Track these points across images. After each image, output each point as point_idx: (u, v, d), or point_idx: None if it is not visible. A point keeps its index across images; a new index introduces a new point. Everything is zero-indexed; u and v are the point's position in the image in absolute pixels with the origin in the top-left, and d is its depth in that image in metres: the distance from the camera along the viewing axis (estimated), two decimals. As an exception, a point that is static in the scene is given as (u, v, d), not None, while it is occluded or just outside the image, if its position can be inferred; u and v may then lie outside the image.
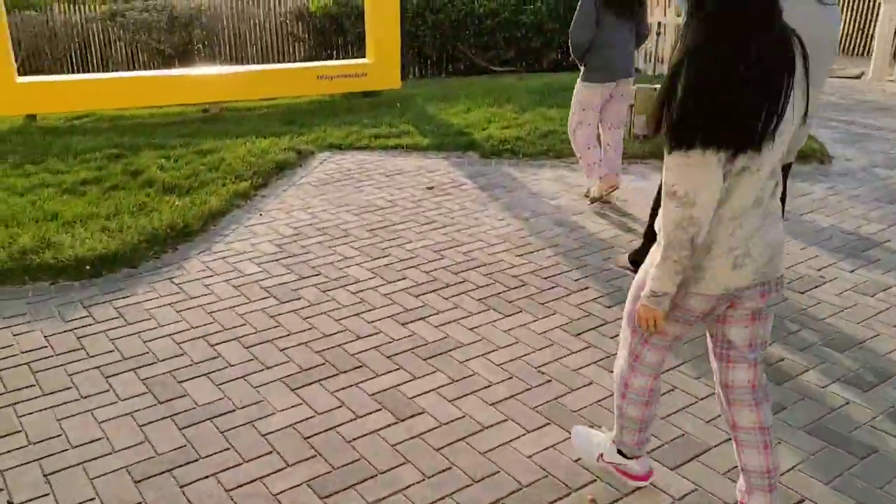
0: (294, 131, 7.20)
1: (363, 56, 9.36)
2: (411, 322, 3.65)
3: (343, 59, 12.12)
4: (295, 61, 12.55)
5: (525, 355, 3.34)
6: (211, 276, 4.19)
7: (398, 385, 3.12)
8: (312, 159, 6.45)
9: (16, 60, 12.92)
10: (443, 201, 5.40)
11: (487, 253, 4.47)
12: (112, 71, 12.98)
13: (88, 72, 12.88)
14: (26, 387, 3.13)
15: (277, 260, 4.39)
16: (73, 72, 12.77)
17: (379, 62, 8.98)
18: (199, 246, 4.60)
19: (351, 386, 3.12)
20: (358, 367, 3.25)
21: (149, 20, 11.91)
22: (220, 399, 3.03)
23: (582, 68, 5.08)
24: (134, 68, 12.90)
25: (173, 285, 4.07)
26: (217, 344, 3.46)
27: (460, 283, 4.07)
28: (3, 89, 7.50)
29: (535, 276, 4.16)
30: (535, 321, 3.65)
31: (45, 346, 3.45)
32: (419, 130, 7.24)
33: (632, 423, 2.39)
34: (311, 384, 3.13)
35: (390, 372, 3.22)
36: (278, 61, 12.89)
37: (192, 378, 3.18)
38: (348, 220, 5.04)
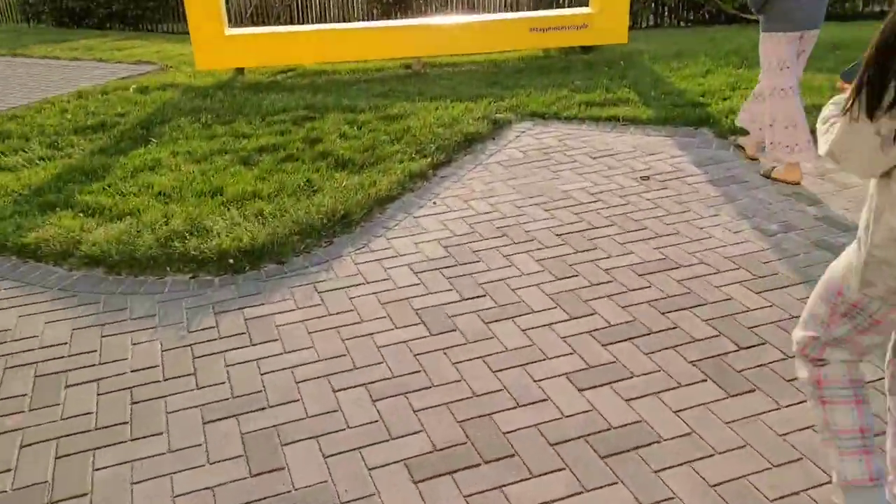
0: (494, 94, 6.32)
1: (586, 4, 8.16)
2: (592, 388, 2.67)
3: (564, 7, 10.94)
4: (515, 9, 11.57)
5: (753, 474, 2.25)
6: (360, 284, 3.48)
7: (560, 500, 2.19)
8: (508, 131, 5.54)
9: (245, 12, 13.37)
10: (659, 198, 4.26)
11: (712, 284, 3.32)
12: (330, 22, 12.92)
13: (308, 23, 12.92)
14: (115, 424, 2.62)
15: (441, 269, 3.59)
16: (294, 23, 12.86)
17: (603, 11, 7.76)
18: (356, 241, 3.93)
19: (492, 489, 2.24)
20: (506, 459, 2.36)
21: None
22: (322, 482, 2.31)
23: (761, 18, 4.22)
24: (350, 20, 12.70)
25: (315, 294, 3.42)
26: (339, 390, 2.74)
27: (670, 329, 3.00)
28: (212, 42, 7.37)
29: (780, 329, 2.96)
30: (775, 410, 2.51)
31: (157, 366, 2.95)
32: (641, 98, 6.02)
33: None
34: (441, 476, 2.31)
35: (550, 473, 2.29)
36: (503, 8, 11.99)
37: (293, 443, 2.49)
38: (536, 216, 4.09)
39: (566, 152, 5.04)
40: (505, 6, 11.83)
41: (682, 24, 10.39)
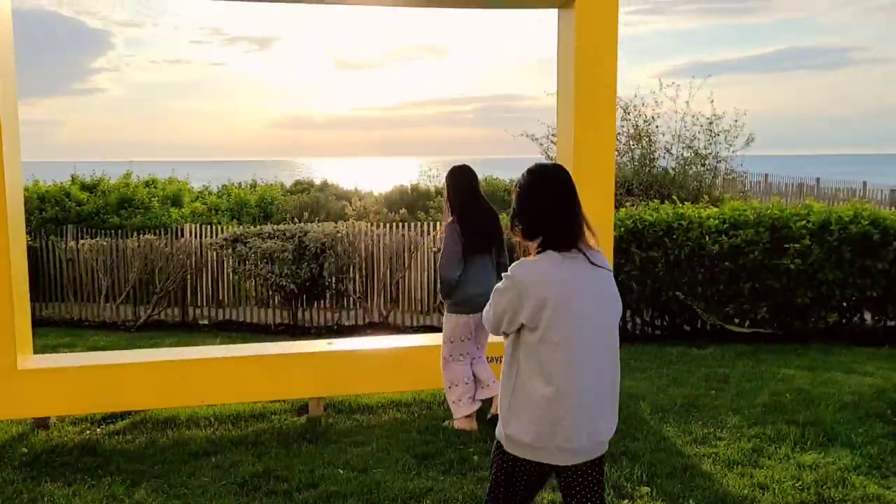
0: (434, 479, 3.77)
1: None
2: None
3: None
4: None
5: None
6: None
7: None
8: None
9: (122, 291, 10.99)
10: None
11: None
12: (224, 307, 10.62)
13: (195, 306, 10.59)
14: None
15: None
16: (174, 306, 10.51)
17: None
18: None
19: None
20: None
21: (272, 249, 9.47)
22: None
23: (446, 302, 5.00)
24: (245, 305, 10.48)
25: None
26: None
27: None
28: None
29: None
30: None
31: None
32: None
33: None
34: None
35: None
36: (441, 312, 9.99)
37: None
38: None
39: None
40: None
41: (651, 329, 8.51)
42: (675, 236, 8.00)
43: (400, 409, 5.44)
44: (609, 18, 5.39)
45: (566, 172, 2.57)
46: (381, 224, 10.69)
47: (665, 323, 8.53)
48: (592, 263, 2.45)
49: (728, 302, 7.95)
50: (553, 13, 5.74)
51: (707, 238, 7.88)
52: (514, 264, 2.46)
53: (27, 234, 11.27)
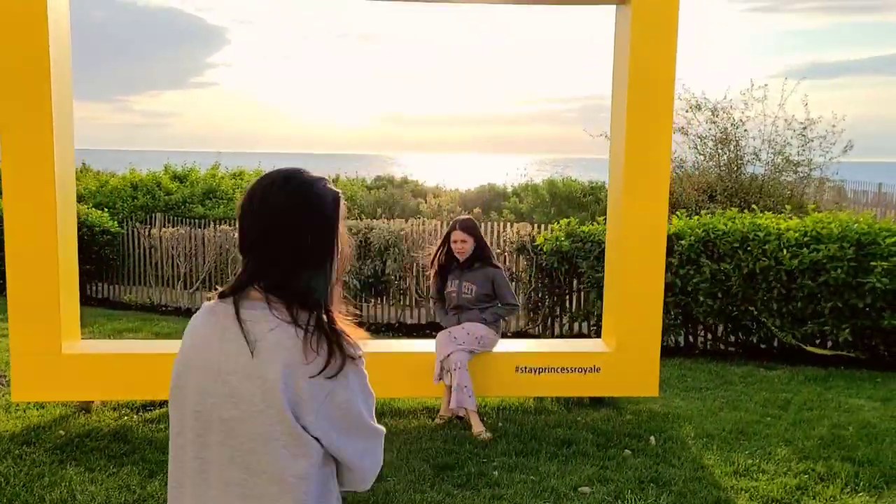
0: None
1: (594, 329, 5.77)
2: None
3: (565, 336, 8.69)
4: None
5: None
6: None
7: None
8: None
9: (195, 279, 11.35)
10: None
11: None
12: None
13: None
14: None
15: None
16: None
17: (623, 350, 5.35)
18: None
19: None
20: None
21: (337, 244, 9.51)
22: None
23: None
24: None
25: None
26: None
27: None
28: (40, 361, 4.95)
29: None
30: None
31: None
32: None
33: None
34: None
35: None
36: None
37: None
38: None
39: None
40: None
41: (722, 344, 8.00)
42: (749, 248, 7.49)
43: (431, 415, 5.30)
44: (667, 15, 5.06)
45: (293, 183, 1.57)
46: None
47: (736, 339, 8.02)
48: (238, 317, 1.47)
49: (806, 321, 7.38)
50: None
51: (785, 251, 7.34)
52: None
53: (117, 220, 11.85)
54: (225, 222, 11.73)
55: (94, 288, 11.45)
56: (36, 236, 4.87)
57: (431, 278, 5.66)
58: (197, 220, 12.34)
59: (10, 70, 4.75)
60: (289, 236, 1.48)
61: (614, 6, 5.39)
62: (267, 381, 1.42)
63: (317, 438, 1.46)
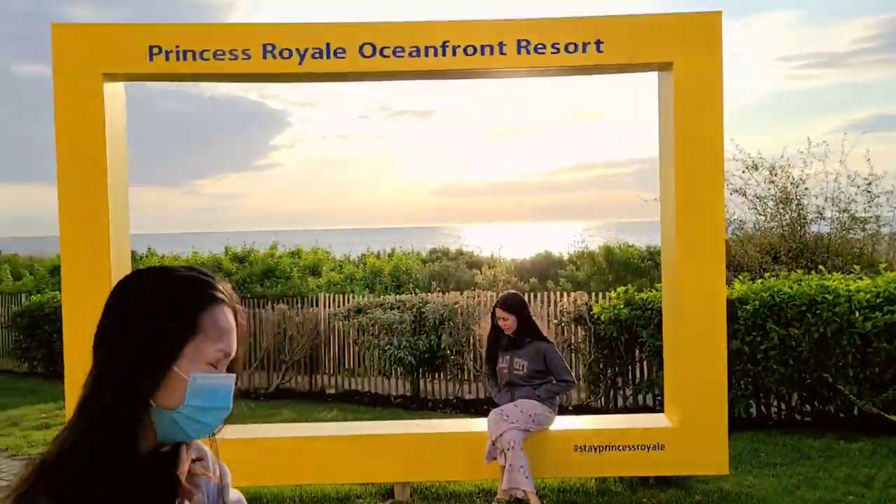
0: None
1: (658, 400, 5.52)
2: None
3: (624, 411, 8.38)
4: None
5: None
6: None
7: None
8: None
9: (254, 358, 11.45)
10: None
11: None
12: (349, 376, 10.73)
13: (323, 374, 10.78)
14: None
15: None
16: (303, 374, 10.74)
17: (687, 426, 5.08)
18: None
19: None
20: None
21: (391, 320, 9.49)
22: None
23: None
24: (369, 375, 10.52)
25: None
26: None
27: None
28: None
29: None
30: None
31: None
32: None
33: None
34: None
35: None
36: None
37: None
38: None
39: None
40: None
41: (795, 413, 7.57)
42: (818, 311, 7.14)
43: (488, 498, 5.10)
44: (712, 80, 4.99)
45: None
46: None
47: (812, 409, 7.57)
48: None
49: (886, 387, 6.93)
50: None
51: (857, 314, 6.97)
52: None
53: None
54: (283, 301, 11.87)
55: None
56: (92, 324, 4.98)
57: (484, 356, 5.56)
58: (256, 300, 12.54)
59: (69, 160, 4.95)
60: None
61: (656, 73, 5.35)
62: None
63: None
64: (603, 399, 8.72)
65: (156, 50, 5.09)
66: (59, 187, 4.96)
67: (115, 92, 5.22)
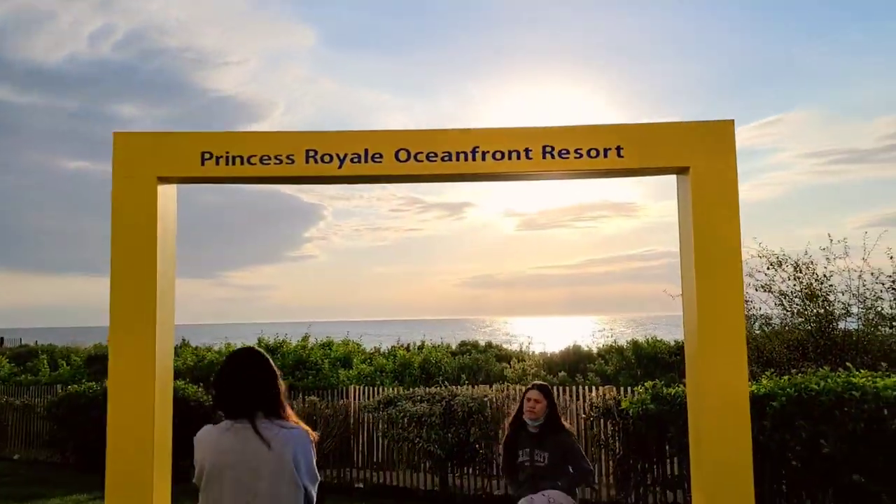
0: None
1: (686, 499, 5.50)
2: None
3: (661, 482, 8.30)
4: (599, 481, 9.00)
5: None
6: None
7: None
8: None
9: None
10: None
11: None
12: (378, 470, 10.73)
13: (353, 467, 10.79)
14: None
15: None
16: (333, 467, 10.76)
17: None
18: None
19: None
20: None
21: (420, 412, 9.59)
22: None
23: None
24: (398, 469, 10.51)
25: None
26: None
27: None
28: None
29: None
30: None
31: None
32: None
33: None
34: None
35: None
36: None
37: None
38: None
39: None
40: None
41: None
42: (846, 408, 7.13)
43: None
44: (727, 183, 5.27)
45: (255, 356, 3.26)
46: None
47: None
48: (258, 433, 2.93)
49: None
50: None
51: (886, 412, 6.95)
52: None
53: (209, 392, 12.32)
54: (314, 393, 12.03)
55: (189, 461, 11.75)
56: (135, 421, 5.20)
57: (502, 453, 5.70)
58: (287, 392, 12.68)
59: (123, 257, 5.31)
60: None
61: (675, 176, 5.64)
62: (281, 465, 2.93)
63: (304, 485, 2.97)
64: (633, 496, 8.63)
65: (207, 155, 5.52)
66: (112, 283, 5.29)
67: (167, 194, 5.64)
